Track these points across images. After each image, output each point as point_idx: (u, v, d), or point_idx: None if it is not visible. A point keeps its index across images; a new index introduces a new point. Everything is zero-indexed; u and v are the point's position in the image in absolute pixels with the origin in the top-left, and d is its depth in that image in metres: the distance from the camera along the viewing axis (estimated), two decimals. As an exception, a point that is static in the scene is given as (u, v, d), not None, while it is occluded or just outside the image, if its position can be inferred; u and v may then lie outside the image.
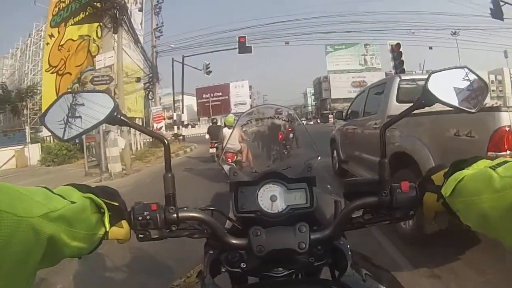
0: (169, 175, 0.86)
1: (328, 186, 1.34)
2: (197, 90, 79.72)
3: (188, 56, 27.13)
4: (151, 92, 23.50)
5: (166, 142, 0.88)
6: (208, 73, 28.32)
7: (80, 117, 0.81)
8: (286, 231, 0.87)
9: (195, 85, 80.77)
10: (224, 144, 6.73)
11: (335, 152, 7.85)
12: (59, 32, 19.27)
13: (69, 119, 0.80)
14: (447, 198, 0.73)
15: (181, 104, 30.72)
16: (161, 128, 21.81)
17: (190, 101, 75.45)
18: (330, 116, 70.35)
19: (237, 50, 22.82)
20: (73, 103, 0.82)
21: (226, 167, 1.07)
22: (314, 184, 1.00)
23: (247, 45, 22.77)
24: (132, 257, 3.71)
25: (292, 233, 0.85)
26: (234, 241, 0.88)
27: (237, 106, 75.50)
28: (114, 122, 0.83)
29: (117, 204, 0.80)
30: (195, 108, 78.39)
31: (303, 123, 1.39)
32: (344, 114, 7.25)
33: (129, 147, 14.73)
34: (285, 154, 1.37)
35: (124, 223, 0.83)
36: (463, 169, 0.74)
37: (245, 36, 23.28)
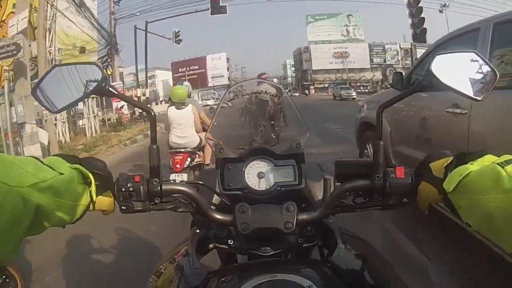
0: (154, 146, 0.85)
1: (317, 164, 1.27)
2: (172, 64, 77.57)
3: (152, 21, 23.47)
4: (109, 67, 20.29)
5: (152, 113, 0.87)
6: (178, 42, 24.91)
7: (70, 88, 0.84)
8: (273, 209, 0.85)
9: (171, 59, 77.78)
10: (170, 139, 5.16)
11: (369, 146, 5.07)
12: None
13: (60, 91, 0.83)
14: (449, 193, 0.69)
15: (145, 78, 26.76)
16: (122, 107, 18.96)
17: (166, 76, 74.01)
18: (312, 87, 71.93)
19: (209, 11, 19.69)
20: (63, 75, 0.84)
21: (212, 143, 1.03)
22: (303, 161, 0.98)
23: (221, 4, 19.62)
24: (119, 237, 3.81)
25: (279, 212, 0.84)
26: (219, 217, 0.87)
27: (214, 79, 74.67)
28: (102, 93, 0.84)
29: (103, 174, 0.81)
30: (172, 83, 74.98)
31: (290, 97, 1.30)
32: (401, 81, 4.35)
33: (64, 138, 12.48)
34: (273, 130, 1.37)
35: (109, 194, 0.85)
36: (467, 163, 0.69)
37: None
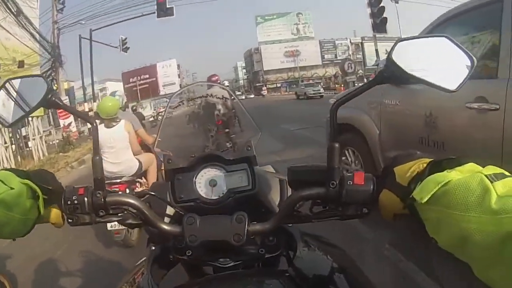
0: (97, 158, 0.85)
1: (270, 165, 1.14)
2: (123, 75, 75.16)
3: (96, 29, 21.48)
4: (54, 81, 18.32)
5: (94, 124, 0.89)
6: (126, 50, 23.00)
7: (20, 102, 0.85)
8: (223, 220, 0.82)
9: (121, 69, 76.03)
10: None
11: (348, 152, 4.29)
12: None
13: (11, 105, 0.85)
14: (419, 203, 0.60)
15: (92, 91, 24.42)
16: (69, 125, 17.45)
17: (118, 87, 71.16)
18: (264, 88, 71.42)
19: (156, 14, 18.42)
20: (13, 89, 0.86)
21: (160, 153, 1.05)
22: (256, 164, 0.95)
23: (167, 6, 18.30)
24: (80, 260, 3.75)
25: (229, 223, 0.81)
26: (167, 228, 0.84)
27: (166, 87, 73.34)
28: (49, 105, 0.85)
29: (51, 188, 0.82)
30: (124, 94, 72.83)
31: (238, 99, 1.33)
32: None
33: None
34: (226, 135, 1.37)
35: (56, 207, 0.85)
36: (443, 170, 0.61)
37: None
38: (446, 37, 0.76)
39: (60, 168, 11.89)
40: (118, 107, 4.15)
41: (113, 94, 5.51)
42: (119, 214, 0.87)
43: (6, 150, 12.76)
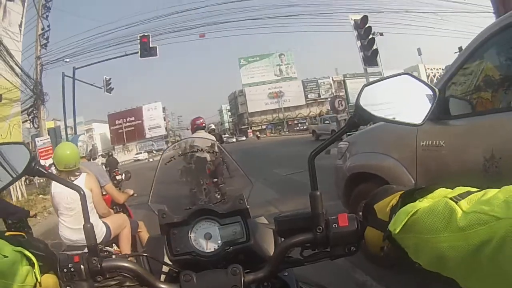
0: (88, 225, 0.86)
1: (262, 217, 1.22)
2: (109, 116, 76.25)
3: (80, 67, 21.06)
4: (35, 119, 17.65)
5: (82, 192, 0.89)
6: (110, 90, 22.34)
7: (1, 169, 0.83)
8: (219, 274, 0.86)
9: (106, 110, 76.13)
10: (60, 231, 3.30)
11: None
12: None
13: None
14: (394, 234, 0.65)
15: (74, 132, 22.72)
16: (50, 165, 16.69)
17: (104, 129, 71.54)
18: (249, 130, 71.76)
19: (139, 54, 18.03)
20: None
21: (155, 209, 1.04)
22: (249, 216, 0.98)
23: (150, 45, 17.97)
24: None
25: (225, 277, 0.84)
26: (165, 287, 0.86)
27: (151, 130, 73.36)
28: (32, 173, 0.86)
29: (45, 255, 0.81)
30: (109, 136, 72.71)
31: (228, 153, 1.39)
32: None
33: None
34: (216, 187, 1.41)
35: (52, 274, 0.83)
36: (415, 200, 0.66)
37: (149, 35, 18.30)
38: (408, 74, 0.81)
39: (37, 212, 11.18)
40: (78, 156, 3.33)
41: (74, 139, 4.48)
42: (115, 278, 0.88)
43: (-19, 190, 11.96)
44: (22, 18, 15.69)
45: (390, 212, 0.71)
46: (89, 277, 0.83)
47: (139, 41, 18.16)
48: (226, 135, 58.03)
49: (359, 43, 14.34)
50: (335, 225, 0.80)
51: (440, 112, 2.68)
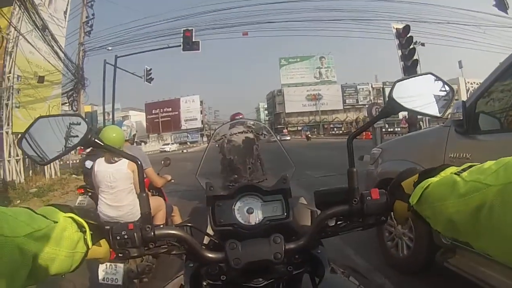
0: (144, 194, 0.90)
1: (302, 197, 1.36)
2: (146, 105, 77.41)
3: (122, 56, 21.54)
4: (75, 102, 18.45)
5: (138, 162, 0.92)
6: (150, 80, 22.85)
7: (55, 140, 0.86)
8: (262, 242, 0.90)
9: (143, 99, 77.34)
10: (99, 207, 3.42)
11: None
12: None
13: (46, 142, 0.86)
14: (415, 205, 0.77)
15: (111, 119, 23.41)
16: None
17: (140, 117, 72.39)
18: (285, 130, 71.35)
19: (181, 47, 18.25)
20: (48, 126, 0.87)
21: (202, 182, 1.11)
22: (290, 196, 1.03)
23: (193, 40, 18.17)
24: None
25: (268, 244, 0.89)
26: (211, 255, 0.91)
27: (187, 122, 73.70)
28: (88, 145, 0.88)
29: (97, 223, 0.83)
30: (145, 124, 73.90)
31: (277, 137, 1.49)
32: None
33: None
34: (260, 167, 1.47)
35: (103, 242, 0.86)
36: (431, 177, 0.77)
37: (192, 29, 18.48)
38: (431, 73, 0.93)
39: (69, 191, 11.67)
40: (123, 139, 3.51)
41: (119, 123, 4.65)
42: (162, 246, 0.93)
43: (17, 163, 12.62)
44: (67, 5, 16.47)
45: (413, 188, 0.79)
46: (141, 244, 0.86)
47: (182, 34, 18.42)
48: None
49: (400, 52, 13.84)
50: (368, 198, 0.89)
51: (469, 126, 2.75)
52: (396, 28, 14.10)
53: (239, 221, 0.98)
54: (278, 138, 1.51)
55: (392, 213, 0.90)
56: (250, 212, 0.99)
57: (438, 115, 0.90)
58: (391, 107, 0.89)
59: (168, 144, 63.39)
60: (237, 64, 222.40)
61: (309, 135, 58.11)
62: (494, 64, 2.67)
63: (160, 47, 22.06)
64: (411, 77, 0.94)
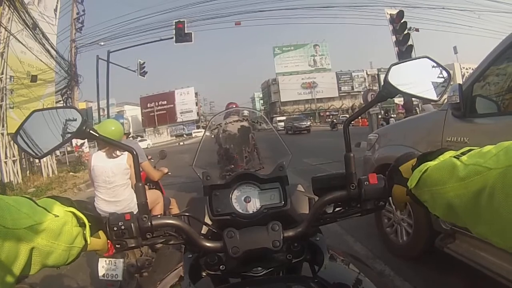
0: (140, 184, 0.90)
1: (299, 185, 1.27)
2: (141, 99, 76.37)
3: (114, 51, 21.36)
4: (69, 100, 18.29)
5: (134, 152, 0.91)
6: (143, 74, 22.65)
7: (50, 133, 0.86)
8: (260, 230, 0.90)
9: (138, 93, 76.90)
10: (96, 203, 3.41)
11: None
12: None
13: (41, 136, 0.86)
14: (413, 189, 0.76)
15: (107, 114, 22.72)
16: (82, 145, 17.14)
17: (135, 111, 72.26)
18: (279, 118, 70.69)
19: (174, 39, 18.10)
20: (43, 119, 0.87)
21: (199, 172, 1.09)
22: (287, 183, 1.02)
23: (186, 31, 18.06)
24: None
25: (266, 232, 0.89)
26: (209, 244, 0.91)
27: (183, 114, 73.28)
28: (84, 136, 0.87)
29: (94, 215, 0.84)
30: (140, 118, 73.61)
31: (272, 126, 1.47)
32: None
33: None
34: (257, 155, 1.48)
35: (101, 233, 0.87)
36: (429, 161, 0.76)
37: (184, 21, 18.34)
38: (427, 57, 0.93)
39: (67, 189, 11.64)
40: (122, 133, 3.51)
41: (117, 117, 4.68)
42: (160, 236, 0.93)
43: (14, 164, 12.60)
44: (57, 2, 16.26)
45: (411, 172, 0.79)
46: (139, 234, 0.86)
47: (174, 26, 18.34)
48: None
49: (394, 38, 13.83)
50: (366, 183, 0.89)
51: (466, 110, 2.74)
52: (390, 14, 14.08)
53: (236, 210, 0.98)
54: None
55: (390, 198, 0.90)
56: (248, 201, 0.99)
57: (435, 99, 0.90)
58: (387, 91, 0.88)
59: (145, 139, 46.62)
60: (231, 55, 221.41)
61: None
62: (489, 49, 2.65)
63: (152, 40, 21.80)
64: (407, 61, 0.94)
